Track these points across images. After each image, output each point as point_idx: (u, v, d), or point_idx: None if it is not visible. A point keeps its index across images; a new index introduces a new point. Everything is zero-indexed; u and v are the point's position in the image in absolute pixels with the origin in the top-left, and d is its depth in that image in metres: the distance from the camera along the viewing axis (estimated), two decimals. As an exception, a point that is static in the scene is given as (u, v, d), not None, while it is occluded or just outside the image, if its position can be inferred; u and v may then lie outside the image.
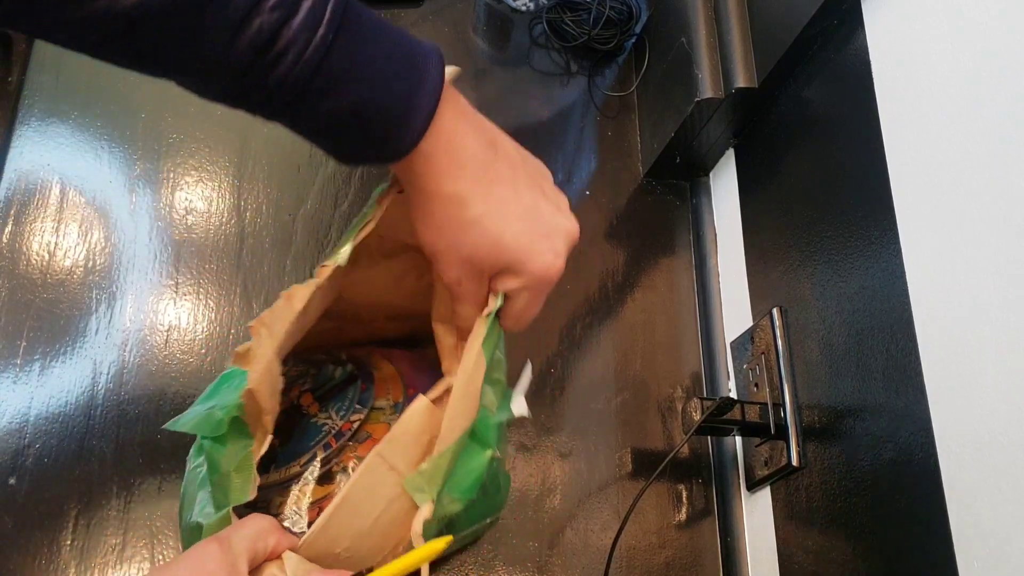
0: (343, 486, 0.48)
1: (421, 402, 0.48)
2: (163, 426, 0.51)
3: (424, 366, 0.59)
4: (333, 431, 0.54)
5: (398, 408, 0.55)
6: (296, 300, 0.47)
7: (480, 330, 0.48)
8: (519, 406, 0.55)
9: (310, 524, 0.48)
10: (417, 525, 0.46)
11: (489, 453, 0.51)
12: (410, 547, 0.45)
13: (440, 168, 0.43)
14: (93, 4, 0.34)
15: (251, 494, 0.46)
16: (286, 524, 0.50)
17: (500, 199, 0.45)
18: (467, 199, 0.44)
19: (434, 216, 0.45)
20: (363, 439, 0.54)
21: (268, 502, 0.52)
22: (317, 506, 0.51)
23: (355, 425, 0.54)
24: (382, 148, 0.42)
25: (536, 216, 0.46)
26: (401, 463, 0.47)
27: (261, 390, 0.46)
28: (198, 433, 0.49)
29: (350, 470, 0.52)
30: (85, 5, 0.34)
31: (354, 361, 0.59)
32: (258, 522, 0.44)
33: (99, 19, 0.34)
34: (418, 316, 0.57)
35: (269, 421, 0.47)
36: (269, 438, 0.47)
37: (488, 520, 0.59)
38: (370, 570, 0.42)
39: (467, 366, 0.48)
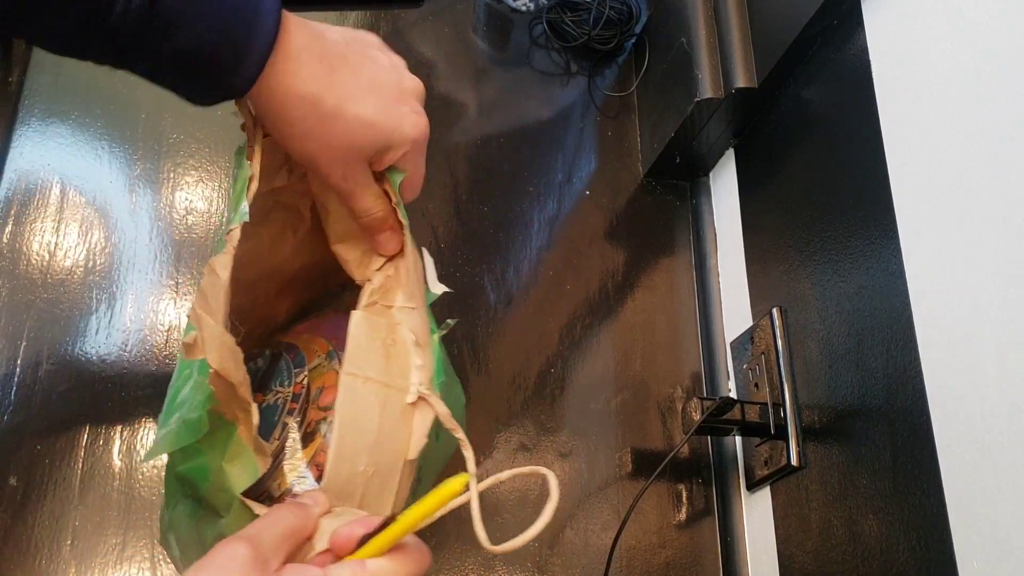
0: (333, 419, 0.48)
1: (356, 315, 0.49)
2: (143, 460, 0.50)
3: (333, 318, 0.59)
4: (288, 398, 0.54)
5: (332, 356, 0.55)
6: (220, 269, 0.47)
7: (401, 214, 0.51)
8: (437, 285, 0.56)
9: (318, 479, 0.48)
10: (423, 427, 0.47)
11: (436, 335, 0.52)
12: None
13: (284, 82, 0.45)
14: None
15: (261, 468, 0.46)
16: (296, 491, 0.50)
17: (345, 83, 0.47)
18: (317, 96, 0.46)
19: (295, 125, 0.46)
20: (318, 395, 0.53)
21: (267, 490, 0.52)
22: (314, 462, 0.51)
23: (304, 383, 0.54)
24: (225, 83, 0.44)
25: (383, 85, 0.48)
26: (371, 371, 0.47)
27: (226, 367, 0.45)
28: (178, 446, 0.48)
29: (327, 422, 0.52)
30: None
31: (269, 346, 0.59)
32: (288, 516, 0.42)
33: None
34: (306, 282, 0.58)
35: (245, 391, 0.46)
36: (254, 407, 0.47)
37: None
38: (391, 519, 0.41)
39: (409, 248, 0.51)
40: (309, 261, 0.56)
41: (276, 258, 0.60)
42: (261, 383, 0.57)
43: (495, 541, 0.45)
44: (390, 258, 0.54)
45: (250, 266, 0.54)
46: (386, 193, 0.52)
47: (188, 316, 0.47)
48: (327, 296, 0.54)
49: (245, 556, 0.37)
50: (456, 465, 0.47)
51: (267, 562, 0.38)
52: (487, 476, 0.44)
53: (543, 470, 0.48)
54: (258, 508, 0.46)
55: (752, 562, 0.69)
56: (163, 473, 0.63)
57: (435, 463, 0.55)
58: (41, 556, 0.60)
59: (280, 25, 0.44)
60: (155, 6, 0.40)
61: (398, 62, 0.51)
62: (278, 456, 0.51)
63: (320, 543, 0.41)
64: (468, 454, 0.46)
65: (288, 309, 0.64)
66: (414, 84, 0.51)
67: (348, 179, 0.49)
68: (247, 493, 0.47)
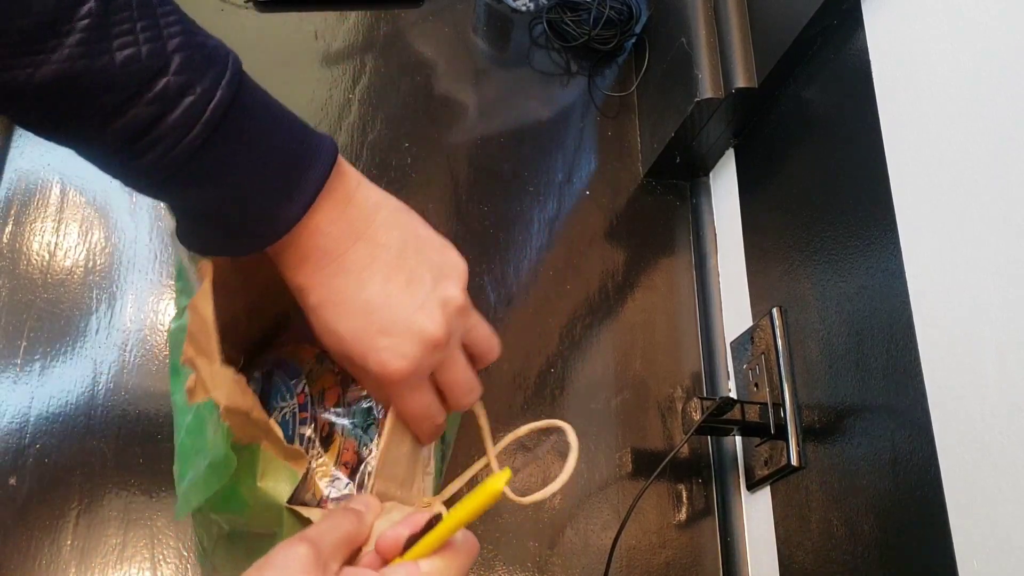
0: (346, 415, 0.48)
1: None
2: (176, 518, 0.49)
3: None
4: (295, 410, 0.53)
5: (321, 359, 0.55)
6: (203, 307, 0.45)
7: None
8: None
9: (351, 475, 0.48)
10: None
11: None
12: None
13: (288, 261, 0.43)
14: (10, 73, 0.33)
15: (300, 469, 0.45)
16: (332, 496, 0.50)
17: (337, 290, 0.42)
18: (305, 289, 0.43)
19: (294, 296, 0.44)
20: (321, 398, 0.53)
21: (302, 503, 0.51)
22: (341, 462, 0.51)
23: (305, 391, 0.53)
24: (231, 245, 0.42)
25: (380, 311, 0.42)
26: None
27: (235, 400, 0.44)
28: (212, 491, 0.47)
29: (337, 421, 0.52)
30: (9, 70, 0.33)
31: (256, 368, 0.59)
32: (345, 522, 0.41)
33: (15, 91, 0.34)
34: (276, 295, 0.57)
35: (259, 413, 0.46)
36: (272, 422, 0.46)
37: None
38: (437, 519, 0.41)
39: None
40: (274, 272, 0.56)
41: (240, 277, 0.59)
42: (262, 404, 0.56)
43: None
44: None
45: (222, 291, 0.54)
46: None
47: (183, 363, 0.46)
48: (296, 307, 0.54)
49: (307, 556, 0.36)
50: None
51: (327, 564, 0.37)
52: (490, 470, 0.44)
53: (561, 423, 0.48)
54: (309, 512, 0.45)
55: (752, 562, 0.69)
56: (163, 475, 0.63)
57: (453, 420, 0.55)
58: (41, 556, 0.60)
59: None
60: (202, 152, 0.37)
61: (440, 297, 0.44)
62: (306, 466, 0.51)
63: (368, 545, 0.42)
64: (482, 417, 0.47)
65: (262, 326, 0.63)
66: (427, 327, 0.43)
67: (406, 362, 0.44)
68: (292, 502, 0.47)
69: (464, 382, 0.47)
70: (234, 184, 0.39)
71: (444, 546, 0.40)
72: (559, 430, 0.51)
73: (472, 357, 0.47)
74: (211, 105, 0.36)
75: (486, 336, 0.48)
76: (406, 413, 0.45)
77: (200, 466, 0.47)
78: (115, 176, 0.39)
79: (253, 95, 0.39)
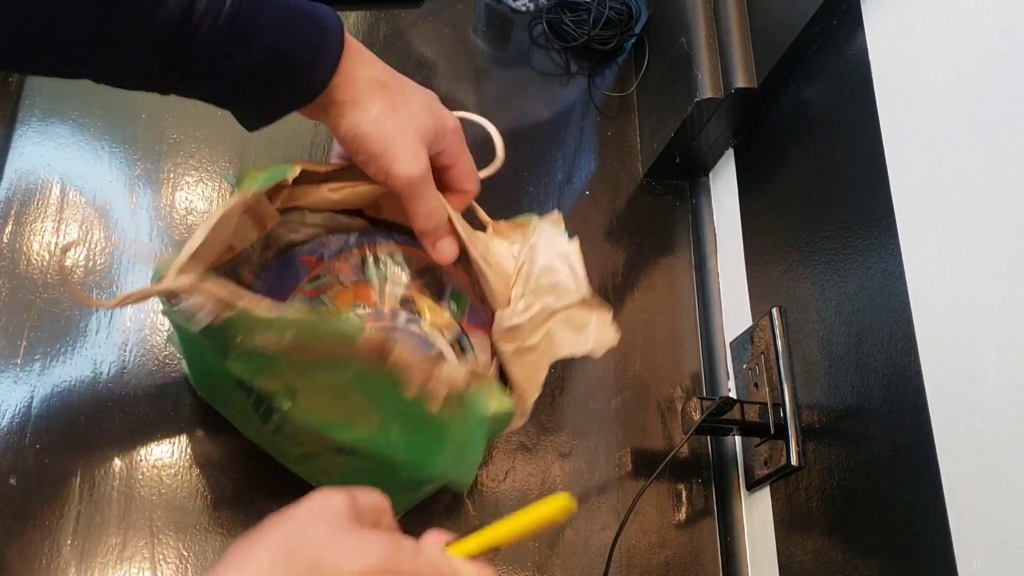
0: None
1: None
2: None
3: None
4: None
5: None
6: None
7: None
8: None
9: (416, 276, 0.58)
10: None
11: None
12: None
13: (358, 70, 0.49)
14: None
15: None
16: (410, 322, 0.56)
17: (399, 79, 0.52)
18: (386, 81, 0.50)
19: (371, 108, 0.50)
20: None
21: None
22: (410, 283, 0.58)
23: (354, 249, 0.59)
24: (297, 90, 0.48)
25: (419, 90, 0.54)
26: None
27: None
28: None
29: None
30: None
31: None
32: (380, 497, 0.44)
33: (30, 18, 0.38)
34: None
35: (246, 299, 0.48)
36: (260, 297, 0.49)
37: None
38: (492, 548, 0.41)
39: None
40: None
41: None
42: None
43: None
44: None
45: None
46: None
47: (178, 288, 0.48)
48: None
49: (342, 504, 0.38)
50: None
51: (360, 517, 0.39)
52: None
53: (480, 119, 0.61)
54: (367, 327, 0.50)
55: (752, 562, 0.69)
56: (163, 475, 0.63)
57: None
58: (41, 556, 0.60)
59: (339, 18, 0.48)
60: (237, 20, 0.42)
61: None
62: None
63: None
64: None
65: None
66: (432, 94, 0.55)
67: (414, 166, 0.52)
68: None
69: (471, 166, 0.58)
70: (276, 35, 0.44)
71: (483, 561, 0.40)
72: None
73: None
74: None
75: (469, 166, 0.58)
76: (469, 170, 0.57)
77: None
78: (160, 80, 0.44)
79: None
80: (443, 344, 0.55)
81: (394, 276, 0.58)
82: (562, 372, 0.75)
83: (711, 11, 0.76)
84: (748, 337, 0.72)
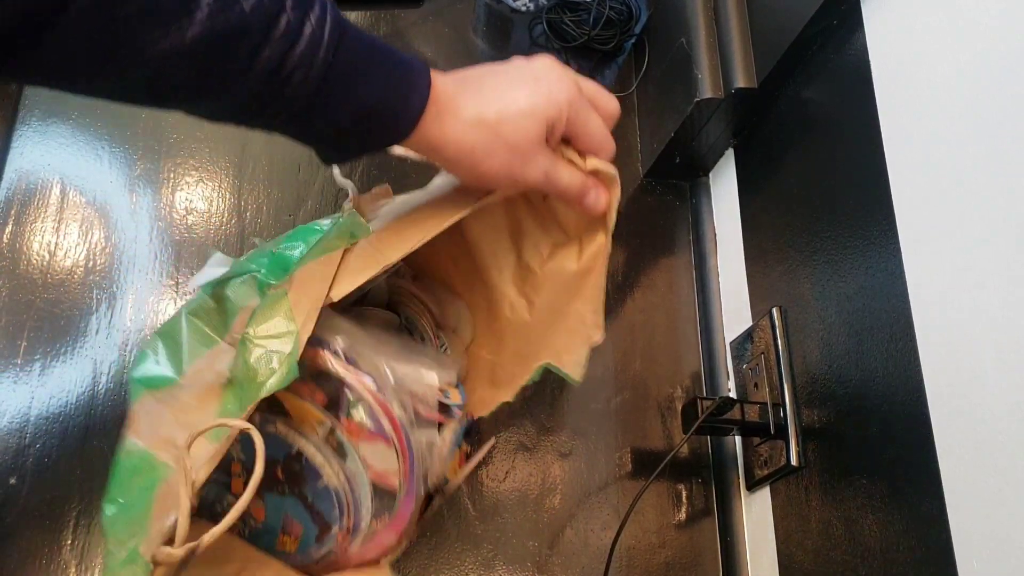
0: None
1: None
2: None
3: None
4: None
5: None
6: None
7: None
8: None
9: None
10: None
11: None
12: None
13: (450, 120, 0.49)
14: (159, 43, 0.39)
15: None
16: None
17: (492, 92, 0.50)
18: (479, 115, 0.49)
19: (476, 151, 0.50)
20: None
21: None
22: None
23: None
24: (382, 140, 0.48)
25: (520, 74, 0.52)
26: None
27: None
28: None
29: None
30: (158, 42, 0.39)
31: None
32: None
33: (163, 58, 0.39)
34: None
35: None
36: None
37: None
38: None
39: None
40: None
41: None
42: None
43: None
44: None
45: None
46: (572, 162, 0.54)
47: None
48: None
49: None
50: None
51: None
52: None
53: None
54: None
55: (752, 562, 0.69)
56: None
57: None
58: (41, 556, 0.60)
59: (429, 70, 0.48)
60: (328, 75, 0.43)
61: (521, 58, 0.54)
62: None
63: None
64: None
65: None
66: (542, 59, 0.53)
67: (542, 170, 0.52)
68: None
69: (597, 131, 0.54)
70: (366, 91, 0.45)
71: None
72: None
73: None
74: (326, 29, 0.43)
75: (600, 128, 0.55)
76: (558, 184, 0.54)
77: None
78: (252, 120, 0.44)
79: (347, 18, 0.45)
80: (304, 444, 0.53)
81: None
82: (562, 372, 0.75)
83: (711, 11, 0.76)
84: (748, 337, 0.72)
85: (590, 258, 0.59)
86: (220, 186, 0.75)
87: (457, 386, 0.61)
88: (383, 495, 0.54)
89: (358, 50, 0.45)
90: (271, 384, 0.46)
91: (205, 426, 0.45)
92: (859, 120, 0.60)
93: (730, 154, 0.80)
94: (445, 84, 0.49)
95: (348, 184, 0.65)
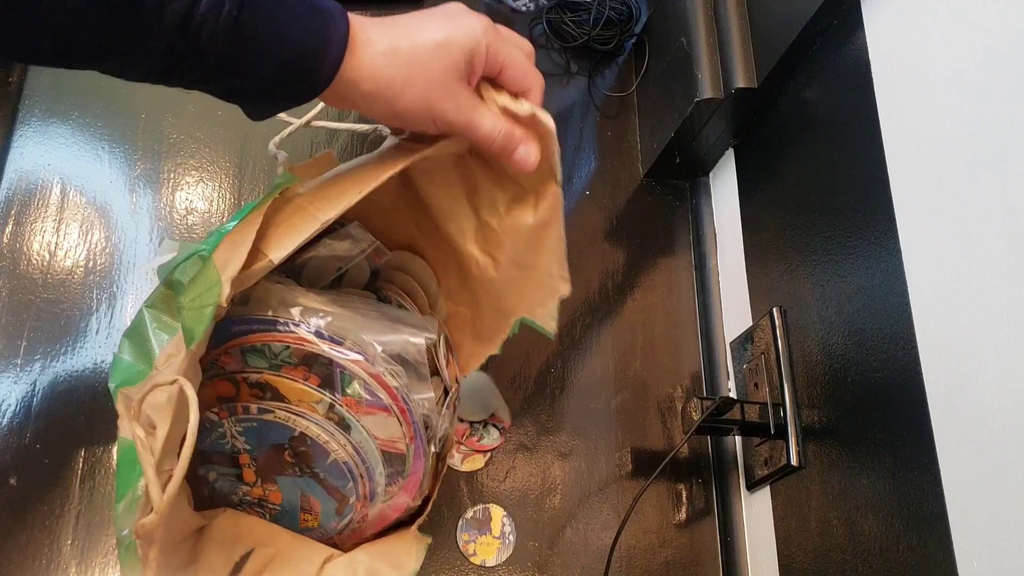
0: None
1: None
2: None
3: None
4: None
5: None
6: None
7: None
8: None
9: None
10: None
11: None
12: None
13: (366, 52, 0.48)
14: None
15: None
16: None
17: (406, 27, 0.50)
18: (393, 47, 0.49)
19: (392, 83, 0.49)
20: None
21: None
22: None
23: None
24: (301, 88, 0.48)
25: (434, 12, 0.51)
26: None
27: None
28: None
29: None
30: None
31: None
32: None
33: (71, 11, 0.39)
34: None
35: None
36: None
37: None
38: None
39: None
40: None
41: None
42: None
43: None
44: None
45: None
46: (505, 111, 0.53)
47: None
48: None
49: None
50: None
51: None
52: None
53: None
54: None
55: (752, 562, 0.69)
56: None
57: None
58: (41, 556, 0.60)
59: (344, 11, 0.48)
60: (237, 25, 0.43)
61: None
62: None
63: None
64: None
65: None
66: (453, 3, 0.53)
67: (462, 110, 0.51)
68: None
69: (521, 61, 0.53)
70: (283, 38, 0.45)
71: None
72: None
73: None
74: None
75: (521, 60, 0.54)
76: (479, 129, 0.52)
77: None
78: (165, 77, 0.44)
79: None
80: (306, 426, 0.54)
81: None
82: (562, 372, 0.75)
83: (711, 11, 0.76)
84: (748, 337, 0.72)
85: (547, 210, 0.58)
86: (220, 186, 0.75)
87: (445, 345, 0.62)
88: (393, 460, 0.56)
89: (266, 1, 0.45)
90: (199, 332, 0.47)
91: (143, 392, 0.46)
92: (859, 120, 0.60)
93: (730, 154, 0.80)
94: (359, 21, 0.48)
95: (281, 153, 0.67)
